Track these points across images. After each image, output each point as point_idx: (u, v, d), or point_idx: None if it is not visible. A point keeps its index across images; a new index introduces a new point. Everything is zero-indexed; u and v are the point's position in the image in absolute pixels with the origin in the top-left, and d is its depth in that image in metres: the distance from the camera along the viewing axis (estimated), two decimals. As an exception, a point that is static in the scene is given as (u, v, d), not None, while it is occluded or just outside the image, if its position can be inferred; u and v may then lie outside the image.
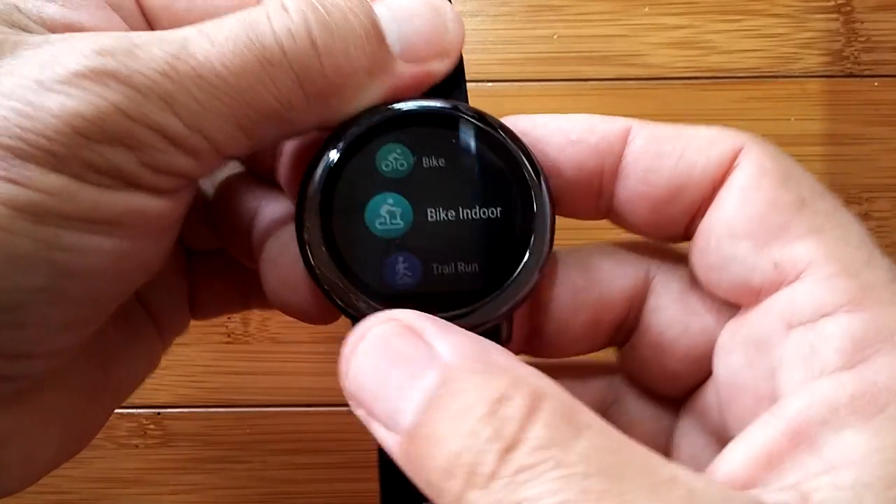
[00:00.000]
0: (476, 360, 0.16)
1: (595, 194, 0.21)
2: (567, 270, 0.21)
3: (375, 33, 0.19)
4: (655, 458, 0.14)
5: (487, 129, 0.20)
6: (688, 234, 0.20)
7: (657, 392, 0.22)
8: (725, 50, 0.38)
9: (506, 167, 0.19)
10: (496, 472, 0.14)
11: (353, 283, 0.19)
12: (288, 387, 0.36)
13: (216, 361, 0.37)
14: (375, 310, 0.18)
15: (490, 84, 0.38)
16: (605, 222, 0.22)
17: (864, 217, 0.38)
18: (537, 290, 0.19)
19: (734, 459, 0.16)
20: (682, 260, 0.21)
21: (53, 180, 0.15)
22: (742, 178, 0.18)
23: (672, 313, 0.21)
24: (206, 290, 0.27)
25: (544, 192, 0.19)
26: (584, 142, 0.20)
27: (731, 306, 0.20)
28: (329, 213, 0.19)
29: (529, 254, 0.19)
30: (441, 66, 0.20)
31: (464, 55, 0.22)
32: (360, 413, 0.17)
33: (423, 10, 0.20)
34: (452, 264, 0.19)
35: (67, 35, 0.17)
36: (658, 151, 0.19)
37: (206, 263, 0.27)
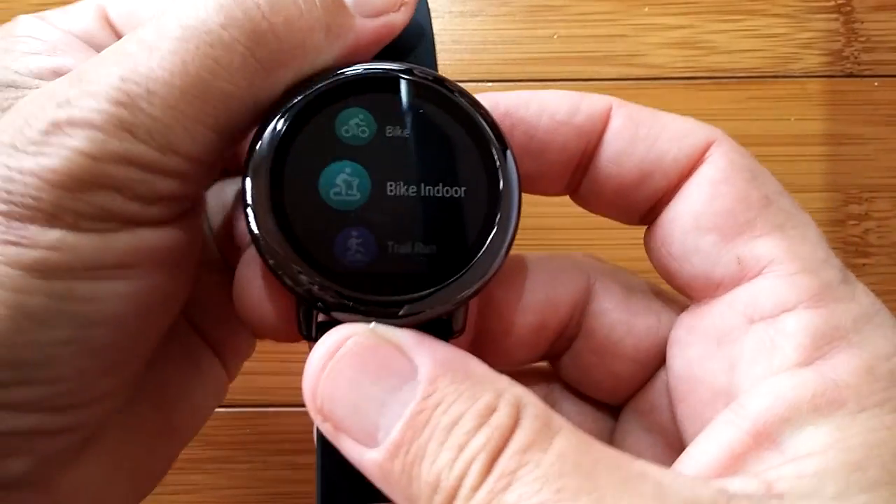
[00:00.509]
0: (457, 371, 0.16)
1: (571, 173, 0.20)
2: (514, 272, 0.21)
3: None
4: (624, 456, 0.15)
5: (459, 100, 0.18)
6: (644, 220, 0.20)
7: (597, 397, 0.23)
8: (725, 50, 0.38)
9: (473, 143, 0.18)
10: (482, 480, 0.14)
11: (301, 256, 0.17)
12: (288, 387, 0.36)
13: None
14: (322, 287, 0.17)
15: (490, 84, 0.38)
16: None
17: (864, 217, 0.38)
18: (490, 284, 0.18)
19: (698, 458, 0.16)
20: (617, 269, 0.22)
21: (52, 235, 0.16)
22: (713, 171, 0.18)
23: (616, 316, 0.21)
24: None
25: (511, 172, 0.18)
26: (569, 123, 0.19)
27: (673, 305, 0.21)
28: (279, 178, 0.17)
29: (492, 238, 0.18)
30: (399, 18, 0.19)
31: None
32: (325, 427, 0.16)
33: None
34: (409, 243, 0.17)
35: (38, 91, 0.17)
36: (633, 135, 0.19)
37: None
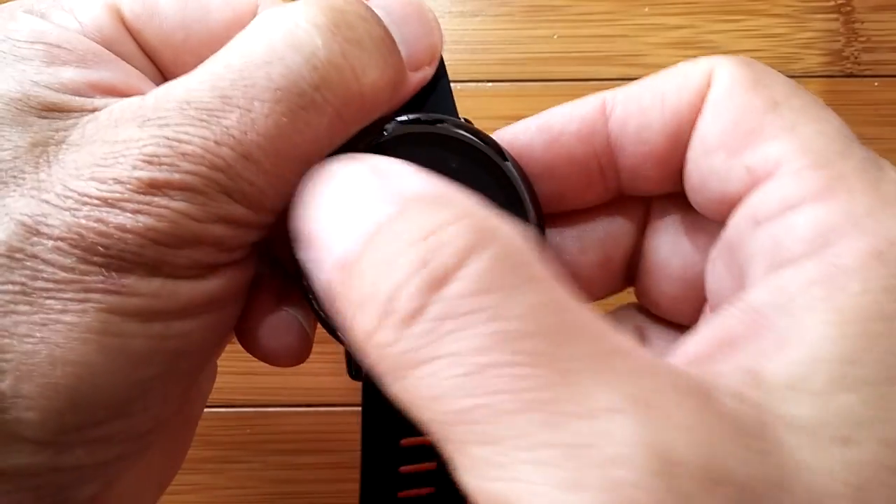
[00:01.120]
0: (437, 196, 0.14)
1: (597, 179, 0.20)
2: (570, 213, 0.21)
3: (391, 42, 0.18)
4: (606, 327, 0.13)
5: (484, 149, 0.19)
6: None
7: (671, 320, 0.22)
8: (725, 50, 0.38)
9: (501, 190, 0.19)
10: (417, 312, 0.12)
11: None
12: (288, 387, 0.36)
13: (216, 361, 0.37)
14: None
15: (490, 84, 0.38)
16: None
17: (864, 217, 0.38)
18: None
19: (691, 342, 0.15)
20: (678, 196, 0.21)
21: (153, 284, 0.16)
22: (714, 92, 0.18)
23: (666, 236, 0.20)
24: None
25: (532, 217, 0.19)
26: (567, 133, 0.19)
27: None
28: None
29: None
30: (431, 72, 0.19)
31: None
32: (301, 257, 0.16)
33: (412, 9, 0.19)
34: None
35: (98, 128, 0.16)
36: (639, 108, 0.19)
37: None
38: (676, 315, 0.22)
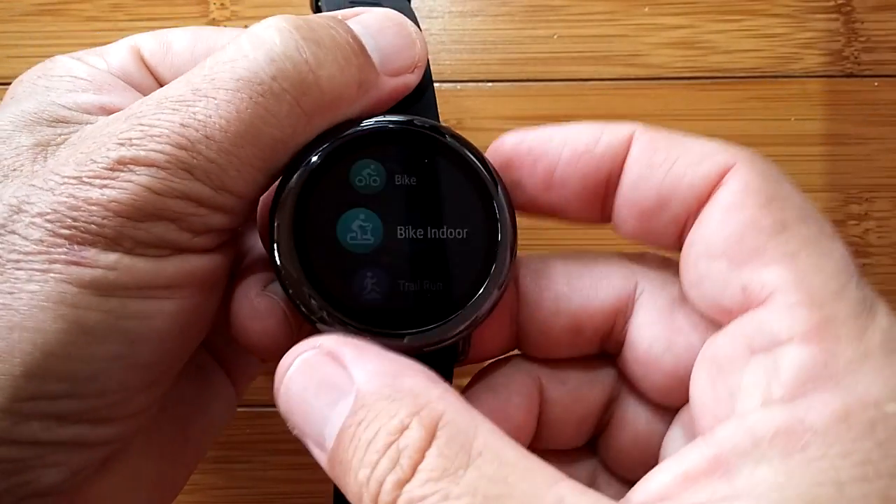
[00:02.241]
0: (386, 385, 0.16)
1: (601, 201, 0.21)
2: (552, 276, 0.22)
3: (358, 45, 0.20)
4: (544, 481, 0.15)
5: (456, 147, 0.20)
6: (679, 244, 0.20)
7: (650, 398, 0.23)
8: (725, 50, 0.38)
9: (472, 188, 0.20)
10: (394, 500, 0.15)
11: (323, 297, 0.19)
12: (288, 387, 0.36)
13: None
14: (340, 322, 0.19)
15: (490, 84, 0.38)
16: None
17: (864, 217, 0.38)
18: (496, 307, 0.20)
19: (655, 478, 0.16)
20: (673, 273, 0.21)
21: (110, 257, 0.17)
22: (727, 196, 0.18)
23: (657, 330, 0.21)
24: None
25: (505, 214, 0.20)
26: (590, 153, 0.20)
27: (715, 324, 0.20)
28: (302, 224, 0.19)
29: (491, 275, 0.19)
30: (413, 79, 0.21)
31: (431, 65, 0.22)
32: (295, 432, 0.18)
33: (390, 24, 0.21)
34: (418, 282, 0.19)
35: (93, 128, 0.19)
36: (650, 161, 0.19)
37: None
38: (652, 396, 0.22)
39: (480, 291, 0.19)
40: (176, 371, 0.20)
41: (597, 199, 0.21)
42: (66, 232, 0.17)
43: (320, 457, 0.17)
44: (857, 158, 0.38)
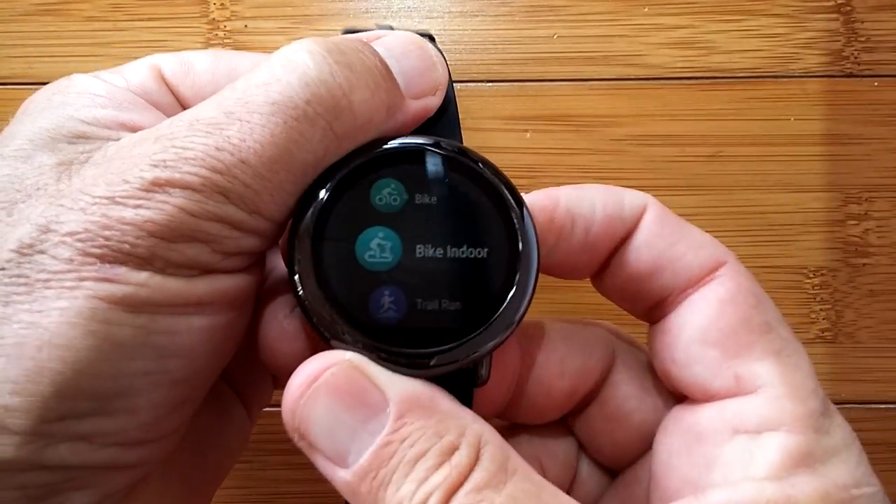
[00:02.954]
0: (424, 408, 0.17)
1: (601, 259, 0.22)
2: (552, 339, 0.23)
3: (386, 69, 0.20)
4: (569, 502, 0.17)
5: (479, 169, 0.20)
6: (649, 316, 0.22)
7: (597, 459, 0.25)
8: (725, 50, 0.38)
9: (494, 208, 0.20)
10: None
11: (340, 315, 0.19)
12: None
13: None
14: (358, 342, 0.18)
15: (490, 84, 0.38)
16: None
17: (864, 217, 0.38)
18: (516, 335, 0.20)
19: None
20: (637, 345, 0.24)
21: (142, 276, 0.17)
22: (722, 291, 0.20)
23: (630, 389, 0.23)
24: None
25: (530, 234, 0.19)
26: (619, 216, 0.21)
27: (678, 394, 0.22)
28: (320, 243, 0.19)
29: (512, 295, 0.19)
30: (435, 101, 0.21)
31: (458, 55, 0.22)
32: (301, 445, 0.18)
33: (413, 47, 0.21)
34: (437, 301, 0.19)
35: (118, 147, 0.18)
36: (659, 231, 0.21)
37: None
38: (605, 454, 0.24)
39: (501, 312, 0.19)
40: (204, 391, 0.20)
41: (603, 257, 0.22)
42: (97, 251, 0.17)
43: (336, 473, 0.17)
44: (856, 158, 0.38)
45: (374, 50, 0.20)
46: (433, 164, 0.20)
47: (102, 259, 0.17)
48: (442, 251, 0.19)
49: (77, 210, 0.17)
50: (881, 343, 0.38)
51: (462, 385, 0.19)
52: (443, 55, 0.22)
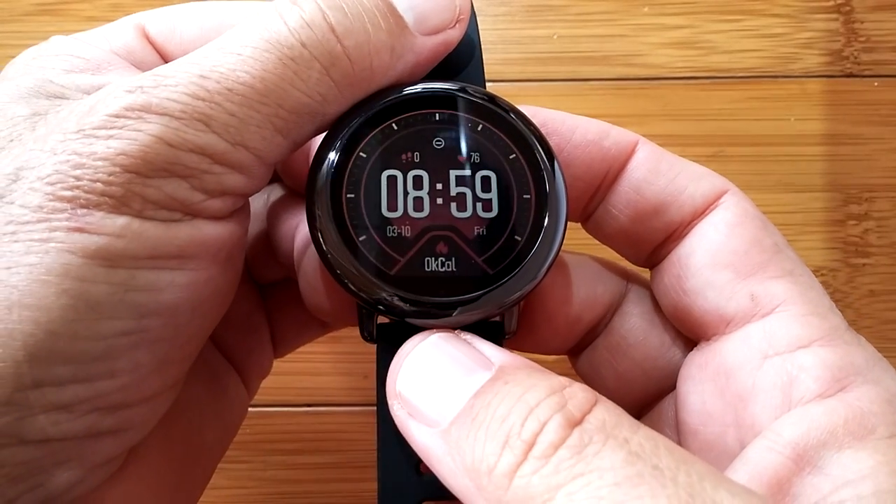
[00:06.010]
0: (525, 365, 0.16)
1: (591, 196, 0.21)
2: (560, 266, 0.22)
3: (387, 7, 0.18)
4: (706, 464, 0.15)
5: (509, 118, 0.19)
6: (651, 258, 0.22)
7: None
8: (725, 50, 0.38)
9: (523, 156, 0.19)
10: (560, 441, 0.14)
11: (365, 266, 0.18)
12: (288, 387, 0.36)
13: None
14: (385, 292, 0.18)
15: (489, 84, 0.37)
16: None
17: (864, 217, 0.38)
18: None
19: (746, 484, 0.16)
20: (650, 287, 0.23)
21: (118, 222, 0.16)
22: (729, 215, 0.20)
23: (637, 322, 0.22)
24: (285, 321, 0.26)
25: (558, 179, 0.19)
26: (598, 144, 0.20)
27: (685, 341, 0.21)
28: (339, 195, 0.18)
29: (540, 243, 0.19)
30: (455, 34, 0.20)
31: (479, 25, 0.21)
32: (399, 414, 0.17)
33: None
34: (462, 250, 0.18)
35: (99, 91, 0.17)
36: (656, 167, 0.20)
37: (279, 294, 0.26)
38: (599, 389, 0.23)
39: (526, 263, 0.18)
40: (191, 353, 0.19)
41: (586, 193, 0.21)
42: (69, 194, 0.15)
43: (428, 434, 0.16)
44: (856, 158, 0.38)
45: None
46: (461, 111, 0.19)
47: (74, 203, 0.15)
48: (468, 202, 0.19)
49: (47, 151, 0.16)
50: (881, 343, 0.38)
51: (490, 338, 0.18)
52: None
